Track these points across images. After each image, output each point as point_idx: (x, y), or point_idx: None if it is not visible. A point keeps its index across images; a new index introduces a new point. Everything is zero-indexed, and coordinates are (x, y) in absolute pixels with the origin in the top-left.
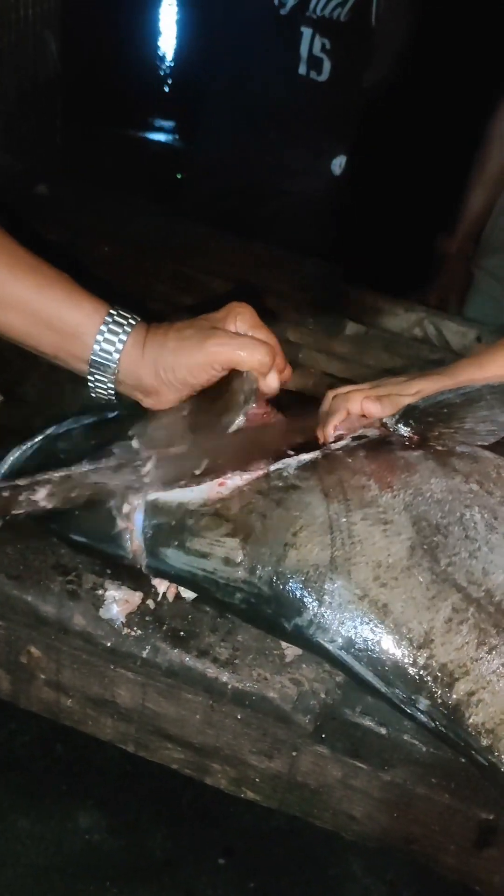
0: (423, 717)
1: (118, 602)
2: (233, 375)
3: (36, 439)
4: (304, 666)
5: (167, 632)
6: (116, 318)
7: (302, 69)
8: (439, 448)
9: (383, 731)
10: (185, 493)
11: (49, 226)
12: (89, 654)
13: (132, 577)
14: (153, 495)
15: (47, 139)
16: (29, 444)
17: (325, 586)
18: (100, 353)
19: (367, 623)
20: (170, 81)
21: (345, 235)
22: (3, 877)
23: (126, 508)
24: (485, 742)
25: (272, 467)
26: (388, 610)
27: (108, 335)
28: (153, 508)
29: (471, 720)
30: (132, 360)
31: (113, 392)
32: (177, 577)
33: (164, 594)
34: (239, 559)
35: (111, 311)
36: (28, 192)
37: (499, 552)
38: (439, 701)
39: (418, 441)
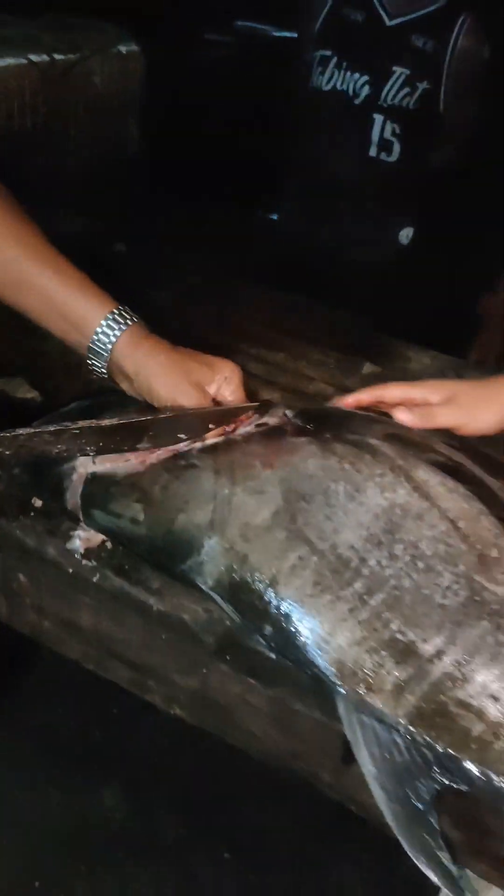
0: (266, 642)
1: (81, 539)
2: None
3: (43, 419)
4: None
5: (115, 565)
6: (117, 316)
7: (373, 151)
8: (328, 436)
9: (273, 655)
10: (117, 467)
11: (119, 276)
12: (59, 580)
13: None
14: (93, 468)
15: (129, 206)
16: (36, 422)
17: (203, 541)
18: (96, 343)
19: (230, 569)
20: (247, 159)
21: (400, 296)
22: (30, 836)
23: (74, 476)
24: (318, 659)
25: (181, 449)
26: (247, 559)
27: (105, 329)
28: (91, 478)
29: (302, 642)
30: (121, 355)
31: (106, 376)
32: (102, 530)
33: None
34: (142, 519)
35: (115, 309)
36: (107, 249)
37: (353, 516)
38: (280, 628)
39: (309, 431)
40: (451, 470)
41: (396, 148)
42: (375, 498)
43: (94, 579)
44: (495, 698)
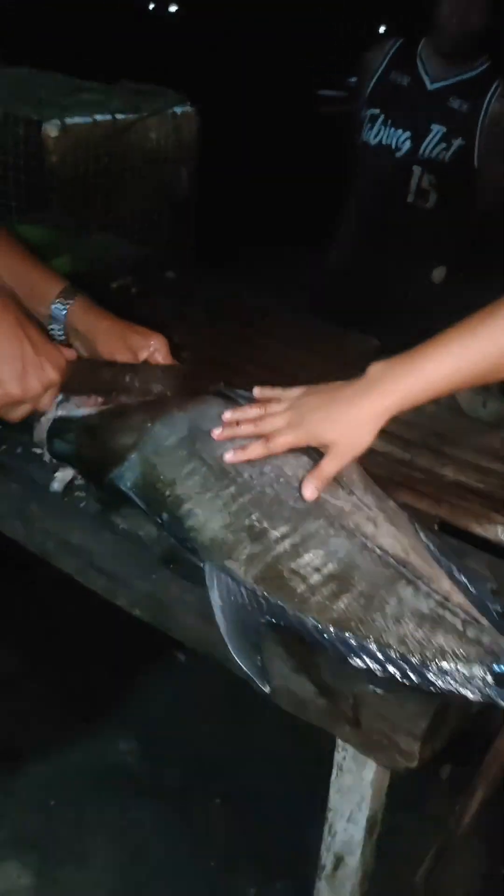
0: (162, 526)
1: (58, 479)
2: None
3: None
4: None
5: (96, 496)
6: (68, 290)
7: (411, 198)
8: (231, 395)
9: (202, 566)
10: (76, 412)
11: (166, 297)
12: (58, 507)
13: None
14: (59, 413)
15: (180, 240)
16: None
17: (127, 457)
18: (55, 311)
19: (143, 474)
20: (294, 200)
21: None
22: (51, 765)
23: (42, 419)
24: (196, 536)
25: (123, 401)
26: (155, 467)
27: (60, 300)
28: (57, 420)
29: (187, 525)
30: (75, 318)
31: (63, 337)
32: (60, 457)
33: None
34: (86, 444)
35: (66, 286)
36: (160, 276)
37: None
38: (173, 515)
39: (218, 391)
40: None
41: (433, 197)
42: None
43: (82, 506)
44: (316, 569)
